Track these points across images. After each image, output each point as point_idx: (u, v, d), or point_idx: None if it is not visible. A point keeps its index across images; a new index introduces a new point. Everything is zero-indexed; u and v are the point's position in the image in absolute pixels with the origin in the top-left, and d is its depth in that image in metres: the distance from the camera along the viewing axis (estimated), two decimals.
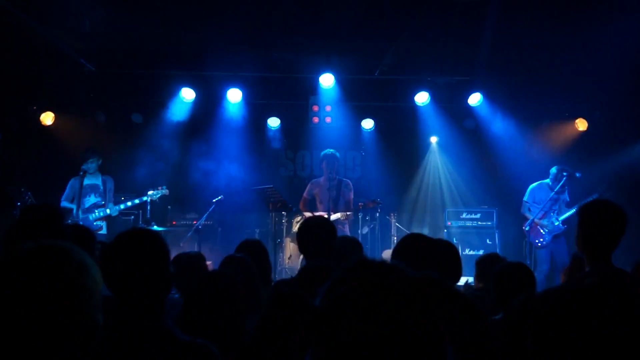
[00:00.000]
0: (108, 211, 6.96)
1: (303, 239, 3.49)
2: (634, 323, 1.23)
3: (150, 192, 7.18)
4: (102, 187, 7.05)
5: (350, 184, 7.68)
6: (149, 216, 7.48)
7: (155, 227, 7.19)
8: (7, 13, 6.35)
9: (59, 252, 1.37)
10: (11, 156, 7.79)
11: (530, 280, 3.04)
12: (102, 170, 7.17)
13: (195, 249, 7.51)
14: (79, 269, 1.37)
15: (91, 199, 7.00)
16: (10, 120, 8.12)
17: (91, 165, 6.96)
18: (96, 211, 6.95)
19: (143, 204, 7.41)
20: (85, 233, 3.14)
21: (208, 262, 4.99)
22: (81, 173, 6.93)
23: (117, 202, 7.12)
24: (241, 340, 2.33)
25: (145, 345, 1.80)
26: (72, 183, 7.05)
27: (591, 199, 6.43)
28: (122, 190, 7.72)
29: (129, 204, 7.12)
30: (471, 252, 8.15)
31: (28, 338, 1.28)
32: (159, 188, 7.24)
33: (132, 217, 7.96)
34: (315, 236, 3.42)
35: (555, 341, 1.25)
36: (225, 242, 8.07)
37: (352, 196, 7.60)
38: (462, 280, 5.13)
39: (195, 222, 8.04)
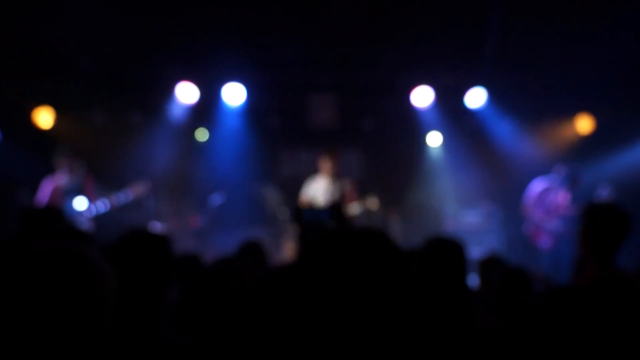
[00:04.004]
0: (92, 211, 6.78)
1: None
2: (635, 323, 1.21)
3: (129, 190, 6.94)
4: (84, 186, 6.85)
5: (350, 183, 7.65)
6: (145, 216, 7.44)
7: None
8: (5, 12, 6.32)
9: (74, 254, 1.36)
10: (8, 156, 7.76)
11: (527, 285, 3.03)
12: (99, 169, 7.11)
13: (195, 248, 7.49)
14: (95, 272, 1.36)
15: (74, 199, 6.80)
16: (8, 119, 8.09)
17: (64, 162, 6.74)
18: (80, 211, 6.79)
19: (143, 204, 7.36)
20: (79, 235, 3.07)
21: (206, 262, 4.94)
22: (66, 173, 6.76)
23: (104, 201, 6.91)
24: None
25: (135, 346, 1.77)
26: (50, 183, 6.80)
27: (592, 200, 6.39)
28: (121, 189, 7.67)
29: (115, 203, 6.93)
30: (471, 252, 8.12)
31: (40, 340, 1.27)
32: (142, 184, 7.02)
33: (127, 216, 7.89)
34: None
35: (556, 343, 1.22)
36: (225, 242, 8.05)
37: (351, 196, 7.56)
38: None
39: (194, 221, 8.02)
